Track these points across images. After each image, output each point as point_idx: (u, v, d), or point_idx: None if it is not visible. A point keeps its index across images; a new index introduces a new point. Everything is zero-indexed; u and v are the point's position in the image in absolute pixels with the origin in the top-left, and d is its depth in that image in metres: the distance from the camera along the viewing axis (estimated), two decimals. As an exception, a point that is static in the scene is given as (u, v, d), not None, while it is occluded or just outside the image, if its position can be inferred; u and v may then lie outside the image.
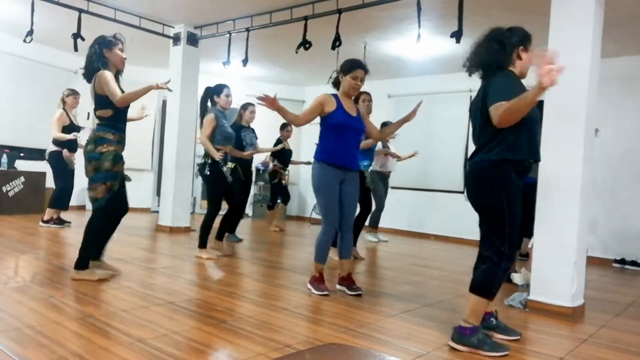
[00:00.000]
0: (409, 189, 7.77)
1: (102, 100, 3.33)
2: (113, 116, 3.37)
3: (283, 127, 6.59)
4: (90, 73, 3.40)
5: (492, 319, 2.69)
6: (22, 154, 7.19)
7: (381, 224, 6.65)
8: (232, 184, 4.63)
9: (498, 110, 2.31)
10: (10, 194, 6.75)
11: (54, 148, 5.76)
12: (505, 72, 2.50)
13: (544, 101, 3.41)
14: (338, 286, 3.57)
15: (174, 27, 6.33)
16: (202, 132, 4.45)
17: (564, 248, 3.30)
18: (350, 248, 3.63)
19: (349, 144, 3.42)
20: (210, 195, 4.54)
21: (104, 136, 3.33)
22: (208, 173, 4.40)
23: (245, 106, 5.69)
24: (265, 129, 7.01)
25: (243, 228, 6.44)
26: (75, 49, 5.17)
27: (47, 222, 5.82)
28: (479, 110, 2.48)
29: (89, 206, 8.01)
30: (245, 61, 5.66)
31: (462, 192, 7.36)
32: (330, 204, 3.37)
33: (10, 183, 6.75)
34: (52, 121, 5.73)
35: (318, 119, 3.47)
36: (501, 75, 2.46)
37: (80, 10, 5.25)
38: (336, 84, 3.54)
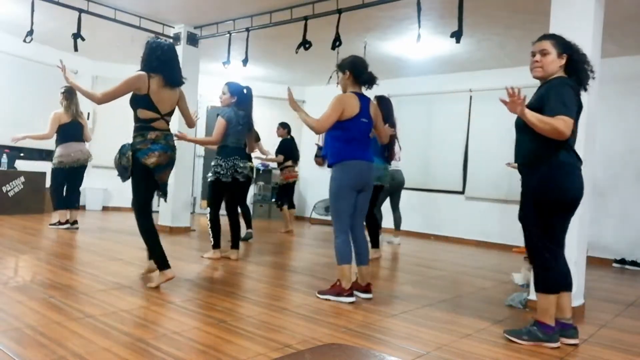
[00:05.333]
0: (409, 189, 7.75)
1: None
2: None
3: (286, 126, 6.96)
4: (180, 83, 3.57)
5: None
6: (22, 154, 7.19)
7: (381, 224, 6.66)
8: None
9: None
10: (10, 194, 6.75)
11: None
12: None
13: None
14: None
15: (174, 27, 6.33)
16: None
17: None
18: None
19: None
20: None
21: None
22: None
23: None
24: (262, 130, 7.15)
25: (243, 227, 6.43)
26: (75, 49, 5.17)
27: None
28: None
29: (89, 206, 8.04)
30: (245, 61, 5.66)
31: (462, 192, 7.36)
32: None
33: (10, 183, 6.75)
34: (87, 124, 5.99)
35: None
36: None
37: (80, 10, 5.25)
38: None
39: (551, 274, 2.60)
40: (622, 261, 5.80)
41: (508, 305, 3.46)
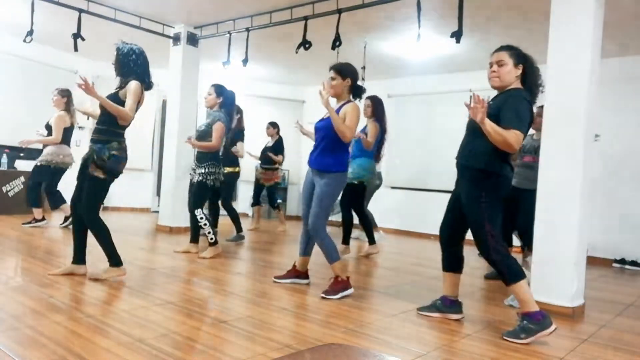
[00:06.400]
0: (408, 189, 7.77)
1: None
2: None
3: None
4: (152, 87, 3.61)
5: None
6: (22, 154, 7.18)
7: (381, 224, 6.65)
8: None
9: None
10: (10, 194, 6.75)
11: None
12: None
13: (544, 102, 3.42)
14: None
15: (174, 27, 6.33)
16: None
17: (564, 248, 3.29)
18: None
19: (316, 145, 3.58)
20: None
21: None
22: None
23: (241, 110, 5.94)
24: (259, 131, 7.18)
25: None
26: (75, 49, 5.16)
27: None
28: None
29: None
30: (245, 61, 5.66)
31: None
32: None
33: (10, 183, 6.75)
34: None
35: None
36: None
37: (80, 10, 5.25)
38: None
39: (511, 263, 2.75)
40: (622, 261, 5.80)
41: (508, 305, 3.46)
